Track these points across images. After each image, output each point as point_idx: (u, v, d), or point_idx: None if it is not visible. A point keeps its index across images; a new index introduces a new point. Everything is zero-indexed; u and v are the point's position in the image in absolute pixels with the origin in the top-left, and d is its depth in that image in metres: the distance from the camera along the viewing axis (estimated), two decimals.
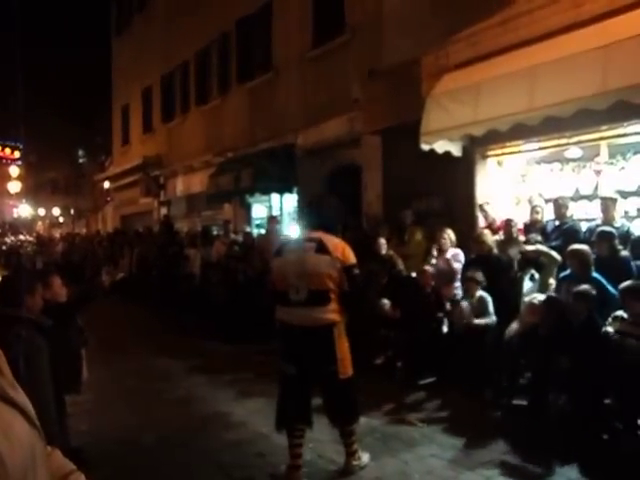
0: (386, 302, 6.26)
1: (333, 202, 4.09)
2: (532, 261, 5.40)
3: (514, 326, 4.98)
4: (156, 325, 9.76)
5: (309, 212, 4.08)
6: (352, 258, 3.68)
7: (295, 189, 10.76)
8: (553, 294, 4.94)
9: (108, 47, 22.22)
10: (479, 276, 5.56)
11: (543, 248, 5.38)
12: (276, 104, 11.45)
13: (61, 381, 3.36)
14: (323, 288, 3.56)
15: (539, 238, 5.59)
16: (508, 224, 6.29)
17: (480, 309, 5.46)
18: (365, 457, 3.83)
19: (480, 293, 5.53)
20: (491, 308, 5.45)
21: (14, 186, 36.64)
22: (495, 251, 6.04)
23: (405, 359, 5.95)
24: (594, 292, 4.51)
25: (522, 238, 6.00)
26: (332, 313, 3.59)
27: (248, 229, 11.60)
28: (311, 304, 3.56)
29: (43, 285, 3.56)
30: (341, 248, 3.67)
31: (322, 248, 3.59)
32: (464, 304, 5.51)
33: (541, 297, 4.94)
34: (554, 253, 5.30)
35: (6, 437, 0.79)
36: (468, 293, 5.64)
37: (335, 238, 3.78)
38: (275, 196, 11.80)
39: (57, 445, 1.29)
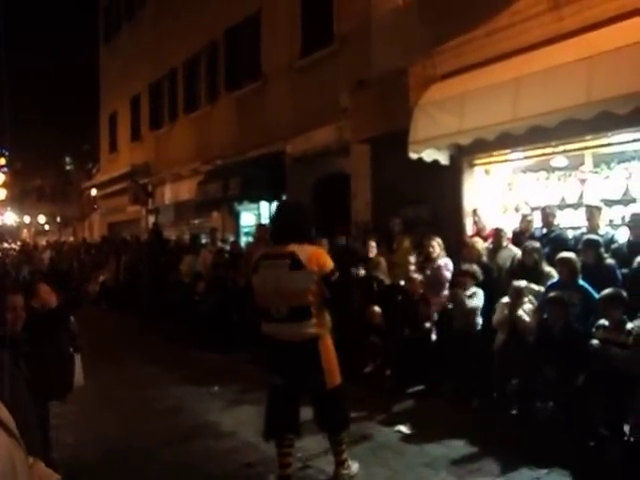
0: (377, 309, 6.26)
1: (301, 208, 3.91)
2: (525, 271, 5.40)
3: (500, 336, 5.01)
4: (144, 334, 9.69)
5: (278, 225, 3.84)
6: (329, 264, 3.57)
7: (284, 197, 10.78)
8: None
9: (96, 54, 22.15)
10: (476, 270, 5.47)
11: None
12: (265, 112, 11.47)
13: (43, 389, 3.30)
14: (303, 304, 3.50)
15: (537, 245, 5.48)
16: (498, 233, 6.33)
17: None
18: (355, 466, 3.82)
19: (474, 289, 5.43)
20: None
21: None
22: (484, 259, 6.09)
23: (394, 367, 5.96)
24: (564, 296, 4.55)
25: (512, 247, 6.03)
26: (315, 327, 3.56)
27: (232, 238, 11.56)
28: (293, 320, 3.53)
29: (30, 294, 3.55)
30: (315, 257, 3.54)
31: (297, 264, 3.48)
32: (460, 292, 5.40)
33: (506, 299, 5.00)
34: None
35: None
36: (461, 287, 5.51)
37: (309, 247, 3.60)
38: (264, 204, 11.80)
39: (39, 456, 1.28)
